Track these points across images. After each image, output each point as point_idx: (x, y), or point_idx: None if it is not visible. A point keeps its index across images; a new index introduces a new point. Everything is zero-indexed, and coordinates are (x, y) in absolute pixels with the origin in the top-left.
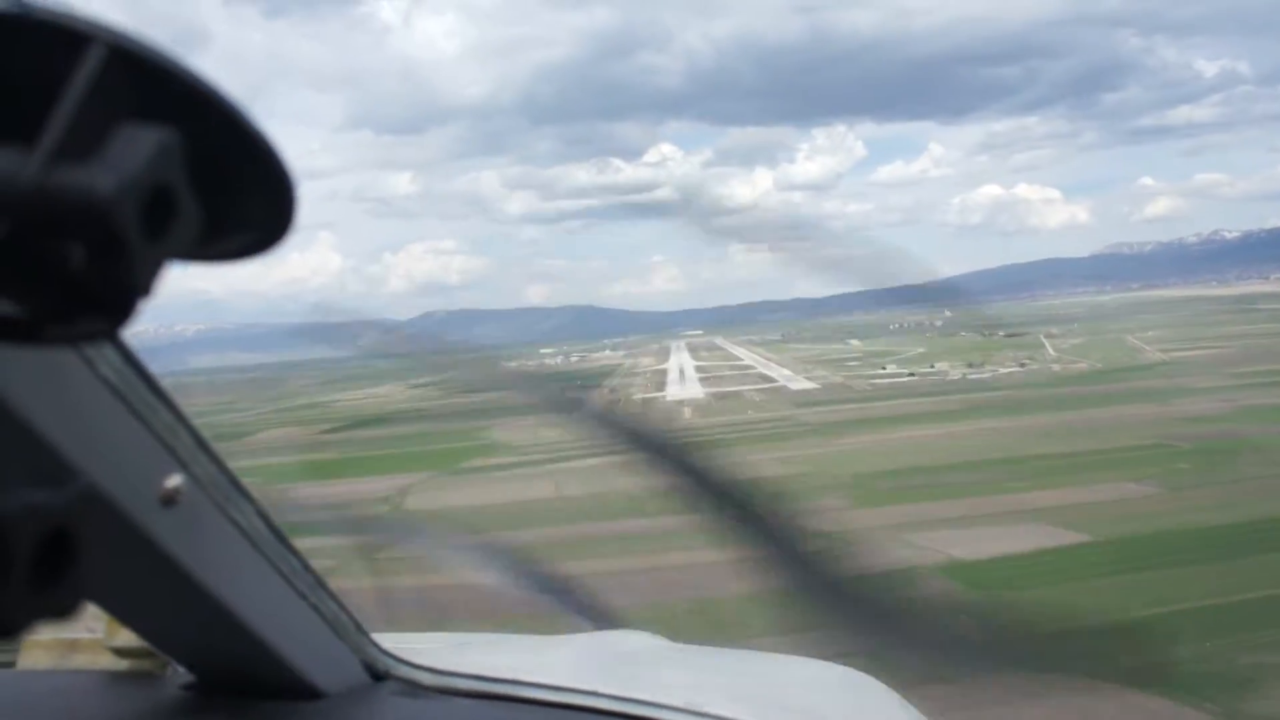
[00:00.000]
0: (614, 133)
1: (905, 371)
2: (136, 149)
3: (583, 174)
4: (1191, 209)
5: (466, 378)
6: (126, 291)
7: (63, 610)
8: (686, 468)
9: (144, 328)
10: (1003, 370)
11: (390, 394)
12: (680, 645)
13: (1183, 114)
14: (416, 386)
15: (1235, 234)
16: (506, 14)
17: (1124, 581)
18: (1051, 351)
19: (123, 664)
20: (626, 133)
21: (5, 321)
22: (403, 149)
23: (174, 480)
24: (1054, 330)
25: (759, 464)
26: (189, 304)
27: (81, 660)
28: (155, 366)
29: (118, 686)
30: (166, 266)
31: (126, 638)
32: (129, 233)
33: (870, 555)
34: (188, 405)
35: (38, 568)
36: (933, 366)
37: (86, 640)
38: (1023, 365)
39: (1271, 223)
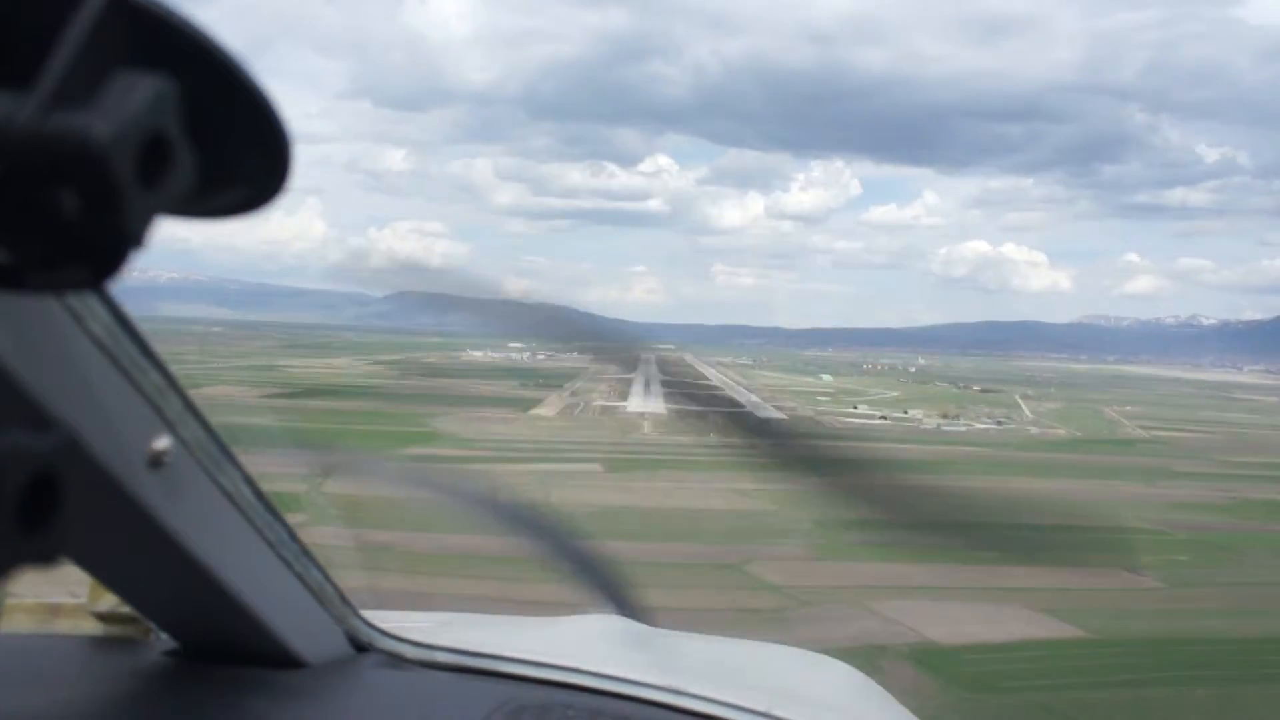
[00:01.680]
0: (612, 137)
1: (877, 414)
2: (133, 96)
3: (576, 174)
4: (1172, 290)
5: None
6: (117, 240)
7: (45, 556)
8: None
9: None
10: (978, 425)
11: (347, 366)
12: (659, 630)
13: (1178, 195)
14: (376, 363)
15: (1213, 321)
16: (521, 3)
17: (1126, 698)
18: (1028, 413)
19: (105, 629)
20: (625, 139)
21: None
22: (400, 125)
23: (161, 442)
24: (1029, 391)
25: (715, 493)
26: (167, 251)
27: (64, 625)
28: (127, 308)
29: (100, 652)
30: (159, 218)
31: (109, 603)
32: (123, 179)
33: (832, 621)
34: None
35: (21, 511)
36: (906, 412)
37: (69, 605)
38: (999, 423)
39: (1248, 315)
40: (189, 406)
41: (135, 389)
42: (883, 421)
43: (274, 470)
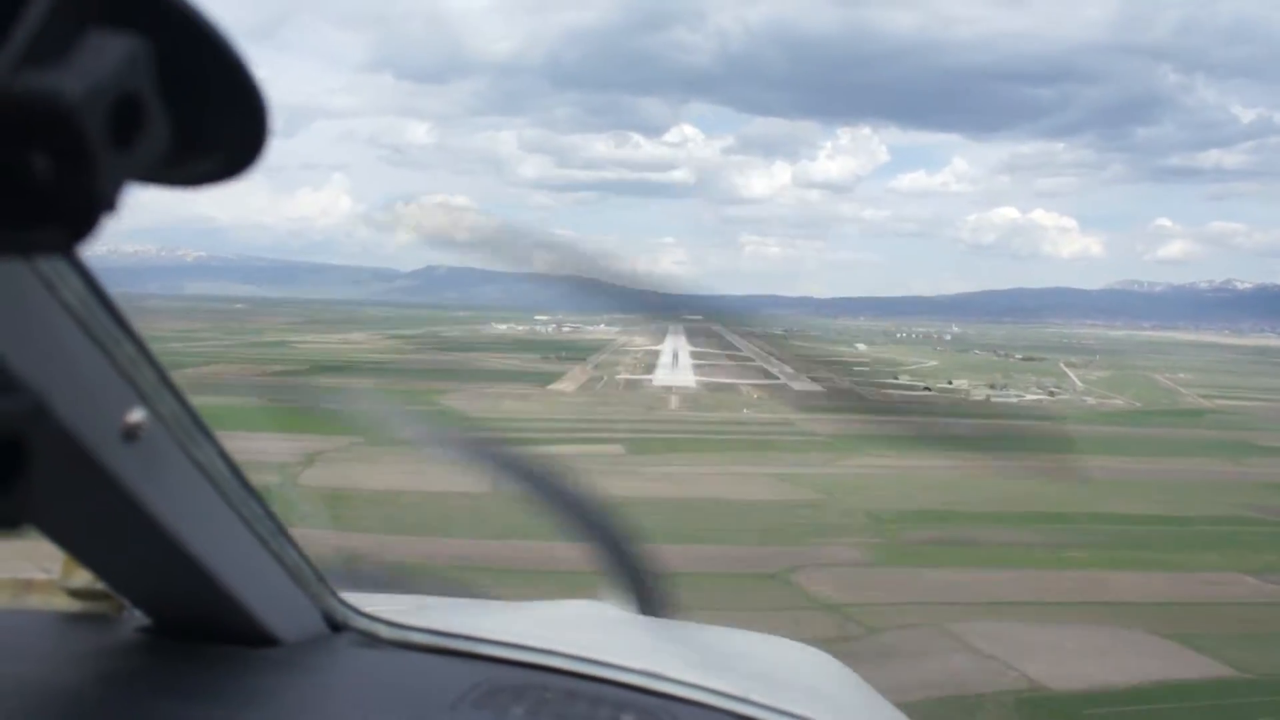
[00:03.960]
0: (637, 107)
1: (920, 384)
2: (105, 56)
3: (601, 145)
4: (1206, 255)
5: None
6: (89, 203)
7: (10, 519)
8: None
9: (145, 248)
10: (1029, 396)
11: (362, 342)
12: (640, 617)
13: (1212, 157)
14: (393, 338)
15: (1248, 285)
16: None
17: None
18: (1078, 382)
19: (77, 605)
20: (649, 108)
21: None
22: (423, 98)
23: (135, 415)
24: (1073, 359)
25: (752, 479)
26: (194, 230)
27: (35, 601)
28: (153, 287)
29: (72, 628)
30: (133, 183)
31: (82, 579)
32: (94, 139)
33: (911, 656)
34: (149, 331)
35: None
36: (950, 382)
37: (41, 581)
38: (1051, 394)
39: None
40: (164, 380)
41: (109, 360)
42: (927, 393)
43: (251, 457)
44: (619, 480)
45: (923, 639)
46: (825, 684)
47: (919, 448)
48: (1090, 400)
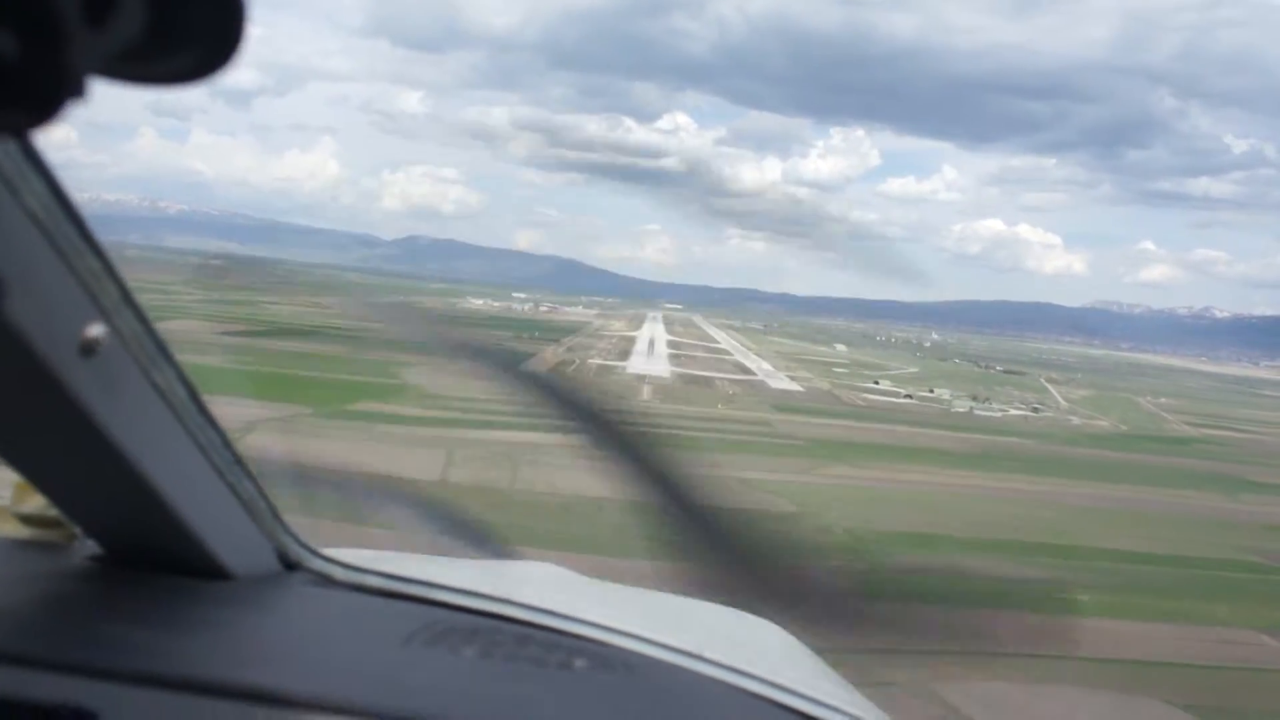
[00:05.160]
0: (631, 91)
1: (901, 391)
2: None
3: (593, 126)
4: (1186, 280)
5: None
6: (56, 82)
7: None
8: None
9: (127, 197)
10: (1013, 411)
11: (334, 307)
12: (590, 579)
13: (1201, 185)
14: (367, 305)
15: (1225, 314)
16: None
17: None
18: (1061, 400)
19: (29, 532)
20: (643, 94)
21: None
22: (418, 66)
23: (95, 330)
24: (1055, 376)
25: (726, 482)
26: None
27: None
28: (133, 237)
29: (22, 554)
30: (102, 67)
31: (34, 504)
32: (66, 12)
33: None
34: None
35: None
36: (931, 391)
37: None
38: (1035, 410)
39: (1260, 310)
40: (126, 296)
41: (70, 271)
42: (908, 400)
43: None
44: (577, 477)
45: (907, 708)
46: (777, 649)
47: (902, 460)
48: (1075, 420)
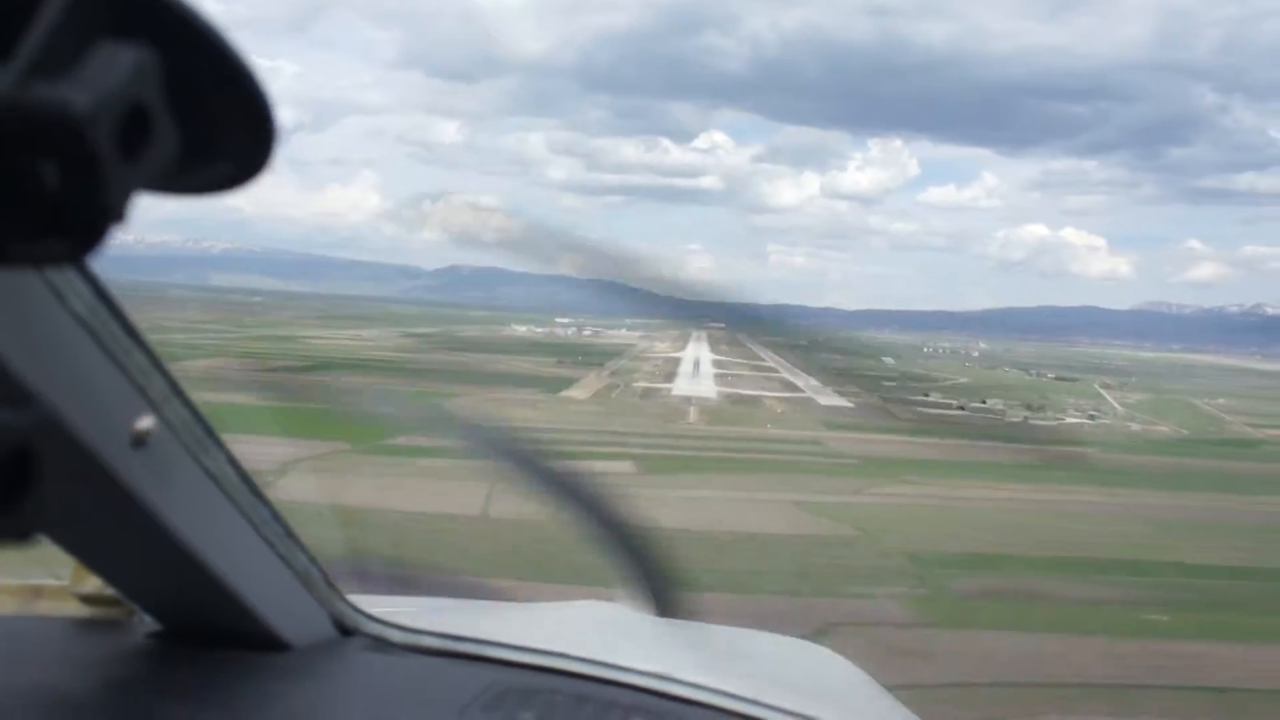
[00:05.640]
0: (667, 112)
1: (953, 403)
2: (113, 67)
3: (630, 149)
4: (1236, 278)
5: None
6: (98, 213)
7: (23, 532)
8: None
9: (172, 238)
10: (1069, 419)
11: (373, 339)
12: (647, 616)
13: (1247, 180)
14: (407, 336)
15: (1277, 311)
16: None
17: None
18: (1117, 406)
19: (88, 611)
20: (679, 114)
21: None
22: (452, 96)
23: (145, 422)
24: (1108, 380)
25: (776, 507)
26: (219, 221)
27: (46, 607)
28: (178, 277)
29: (83, 634)
30: (140, 191)
31: (93, 585)
32: (102, 150)
33: None
34: (163, 321)
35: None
36: (984, 402)
37: (52, 587)
38: (1091, 417)
39: None
40: (173, 387)
41: (118, 368)
42: (961, 412)
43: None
44: (623, 503)
45: None
46: (836, 683)
47: (959, 476)
48: (1134, 426)
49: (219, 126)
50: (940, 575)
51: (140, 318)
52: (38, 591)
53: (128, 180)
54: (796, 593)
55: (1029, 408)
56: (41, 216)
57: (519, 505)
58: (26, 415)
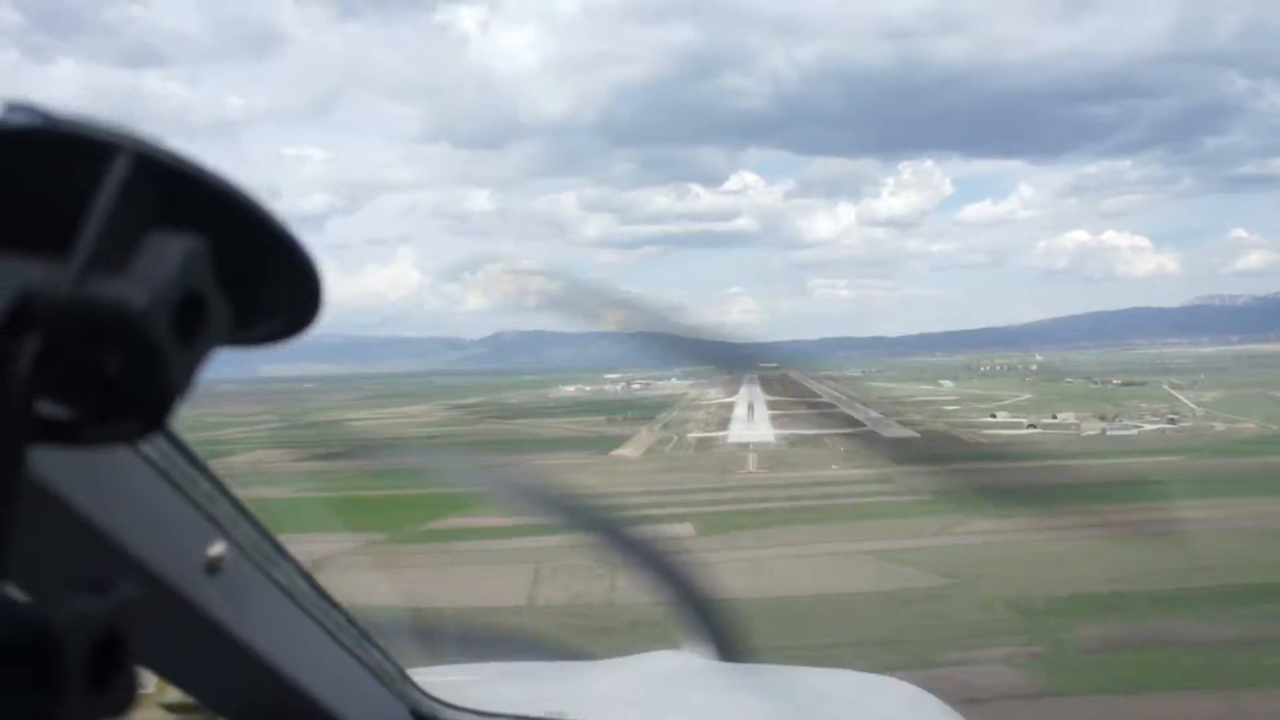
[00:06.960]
0: (694, 157)
1: (1023, 421)
2: (166, 259)
3: (661, 199)
4: None
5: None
6: (160, 395)
7: (119, 709)
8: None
9: None
10: (1148, 426)
11: (420, 414)
12: (718, 664)
13: None
14: (454, 408)
15: None
16: (586, 27)
17: None
18: (1193, 406)
19: (173, 719)
20: (707, 158)
21: (50, 424)
22: (481, 164)
23: (217, 548)
24: (1176, 380)
25: (855, 559)
26: None
27: (132, 716)
28: (227, 371)
29: None
30: (201, 365)
31: (177, 694)
32: (161, 340)
33: None
34: (212, 416)
35: (89, 672)
36: (1055, 417)
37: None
38: (1171, 422)
39: None
40: (239, 509)
41: (188, 500)
42: (1032, 430)
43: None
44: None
45: None
46: (913, 718)
47: (1047, 504)
48: (1218, 426)
49: (267, 290)
50: (1054, 626)
51: (189, 414)
52: None
53: (187, 361)
54: (887, 665)
55: (1103, 418)
56: (112, 400)
57: (566, 585)
58: (114, 600)
